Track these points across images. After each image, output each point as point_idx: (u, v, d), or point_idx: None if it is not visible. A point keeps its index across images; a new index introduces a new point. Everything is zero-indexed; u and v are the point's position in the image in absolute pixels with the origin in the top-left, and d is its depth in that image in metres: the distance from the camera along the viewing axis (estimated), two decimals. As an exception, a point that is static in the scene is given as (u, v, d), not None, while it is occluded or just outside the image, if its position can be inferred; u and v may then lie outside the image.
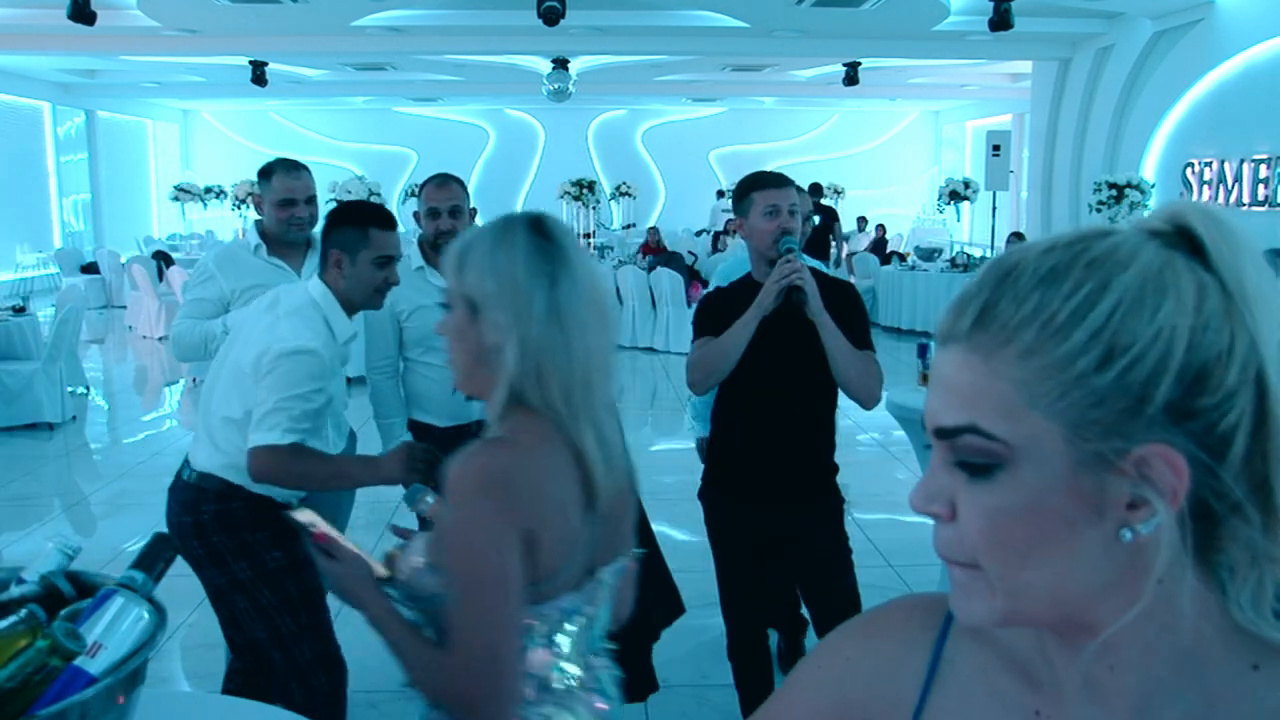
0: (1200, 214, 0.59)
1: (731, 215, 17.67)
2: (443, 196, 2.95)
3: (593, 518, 1.30)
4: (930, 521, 0.63)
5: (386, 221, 2.34)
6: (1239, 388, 0.56)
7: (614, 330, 1.35)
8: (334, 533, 1.37)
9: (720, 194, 19.39)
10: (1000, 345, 0.58)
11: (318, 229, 3.14)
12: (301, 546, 2.28)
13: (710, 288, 3.27)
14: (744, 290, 2.47)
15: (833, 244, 14.77)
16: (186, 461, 2.37)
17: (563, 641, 1.31)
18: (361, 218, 2.31)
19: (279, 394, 2.14)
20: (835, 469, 2.58)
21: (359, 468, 2.38)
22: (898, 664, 0.73)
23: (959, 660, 0.71)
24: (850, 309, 2.48)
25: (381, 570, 1.35)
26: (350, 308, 2.31)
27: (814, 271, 2.56)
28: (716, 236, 16.91)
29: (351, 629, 3.53)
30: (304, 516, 1.40)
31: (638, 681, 2.24)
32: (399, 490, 3.15)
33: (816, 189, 13.20)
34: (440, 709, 1.28)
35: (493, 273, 1.27)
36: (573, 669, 1.32)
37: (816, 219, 3.91)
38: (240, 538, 2.27)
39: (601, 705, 1.36)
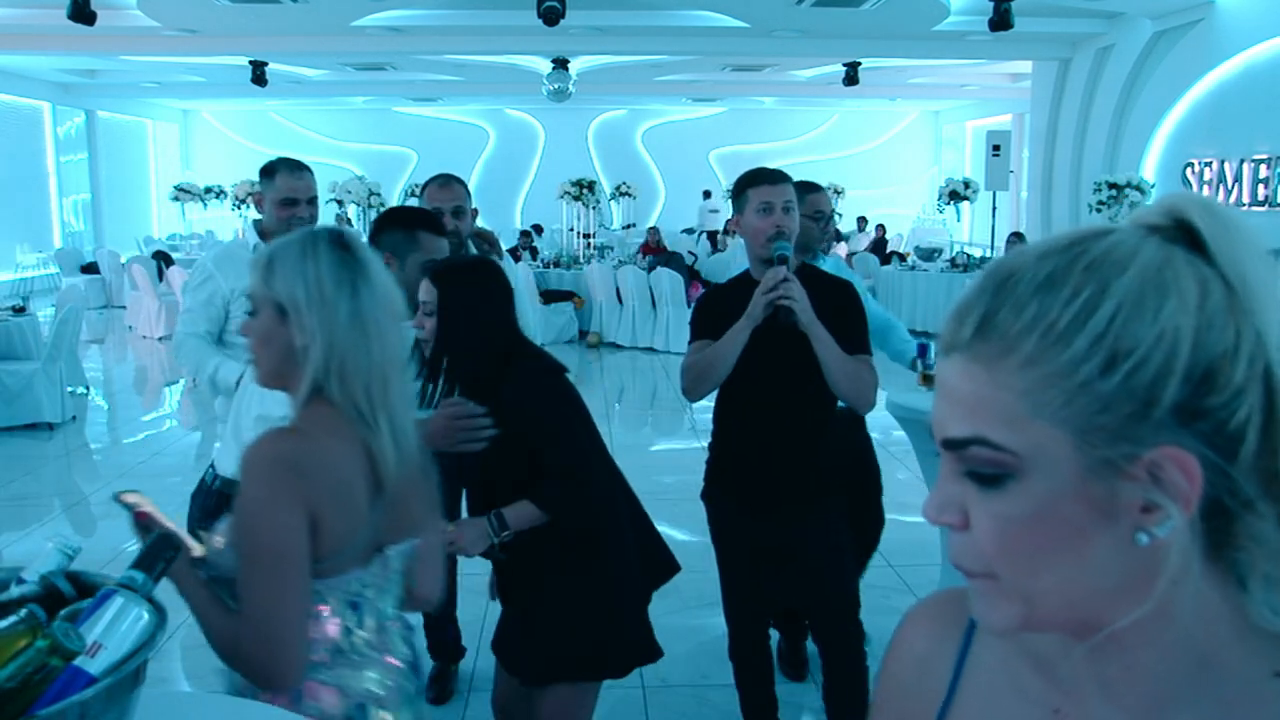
0: (1198, 206, 0.58)
1: (715, 212, 17.73)
2: (446, 196, 2.95)
3: (380, 501, 1.44)
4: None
5: (437, 227, 2.34)
6: (1247, 384, 0.55)
7: (404, 332, 1.51)
8: (156, 513, 1.48)
9: (706, 194, 19.56)
10: (1001, 355, 0.57)
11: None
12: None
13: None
14: (740, 289, 2.44)
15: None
16: (211, 466, 2.34)
17: (354, 612, 1.46)
18: (412, 221, 2.32)
19: None
20: (835, 473, 2.53)
21: None
22: (928, 662, 0.74)
23: (985, 655, 0.71)
24: (848, 310, 2.44)
25: (198, 550, 1.46)
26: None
27: (813, 270, 2.54)
28: (713, 236, 16.99)
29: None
30: (130, 498, 1.49)
31: (640, 649, 2.23)
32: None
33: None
34: (236, 670, 1.39)
35: (302, 281, 1.41)
36: (365, 635, 1.47)
37: (838, 218, 3.92)
38: None
39: (394, 661, 1.52)
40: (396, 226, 2.32)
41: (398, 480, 1.45)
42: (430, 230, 2.32)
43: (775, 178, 2.45)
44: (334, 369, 1.40)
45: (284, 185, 2.93)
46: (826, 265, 3.22)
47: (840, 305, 2.42)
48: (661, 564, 2.29)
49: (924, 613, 0.78)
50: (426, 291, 2.08)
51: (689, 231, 18.03)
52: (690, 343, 2.51)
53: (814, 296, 2.35)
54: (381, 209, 14.22)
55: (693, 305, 2.66)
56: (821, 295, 2.37)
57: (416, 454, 1.50)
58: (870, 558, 3.37)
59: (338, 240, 1.45)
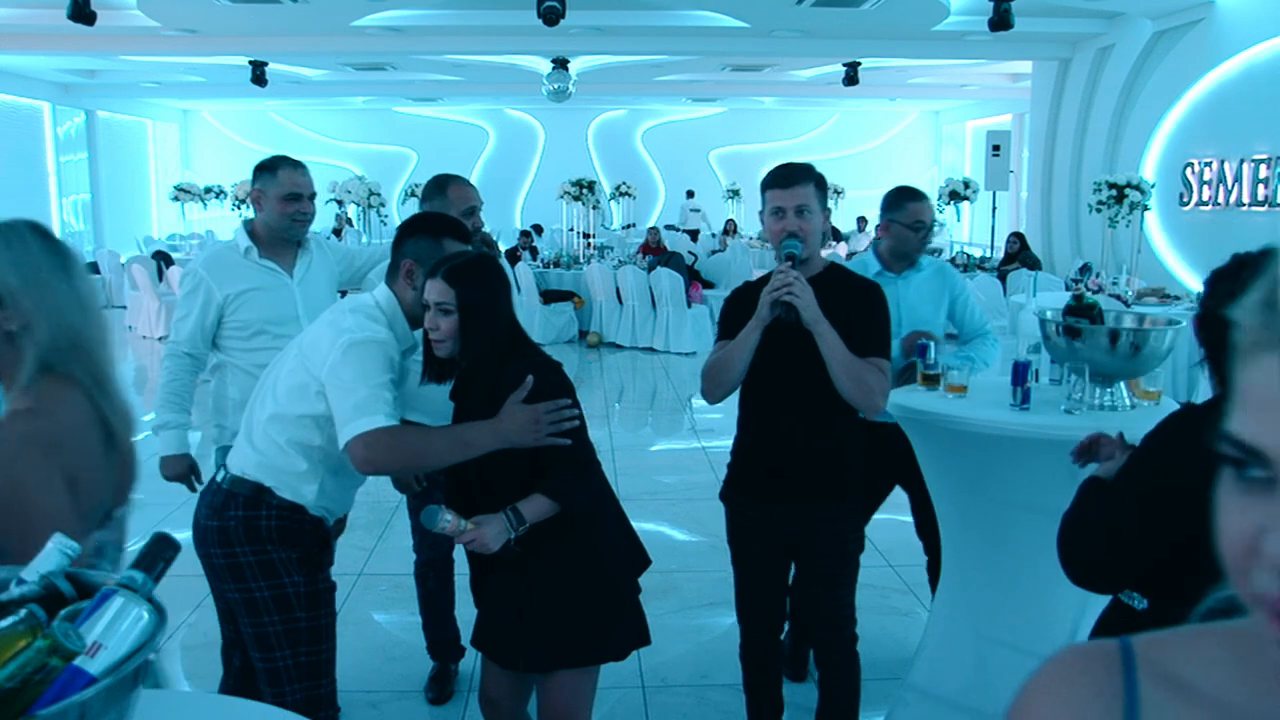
0: None
1: (697, 211, 17.98)
2: (474, 195, 3.02)
3: (112, 466, 1.57)
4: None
5: (463, 235, 2.30)
6: None
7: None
8: None
9: (690, 194, 19.82)
10: None
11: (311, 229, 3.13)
12: (323, 578, 2.26)
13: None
14: (763, 286, 2.42)
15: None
16: (223, 466, 2.32)
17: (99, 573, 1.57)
18: (437, 229, 2.28)
19: (368, 381, 2.07)
20: (847, 474, 2.49)
21: (481, 433, 2.10)
22: None
23: None
24: (866, 310, 2.40)
25: None
26: (414, 321, 2.25)
27: (837, 271, 2.49)
28: (693, 235, 17.17)
29: (353, 630, 3.53)
30: None
31: (636, 632, 2.25)
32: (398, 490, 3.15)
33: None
34: None
35: (15, 268, 1.50)
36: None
37: (939, 225, 3.74)
38: (265, 552, 2.18)
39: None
40: (423, 234, 2.27)
41: (123, 442, 1.59)
42: (456, 238, 2.28)
43: (787, 180, 2.40)
44: (66, 345, 1.51)
45: (288, 180, 2.88)
46: (923, 270, 3.17)
47: (857, 306, 2.39)
48: (639, 554, 2.31)
49: (1058, 685, 0.65)
50: (441, 292, 2.08)
51: (671, 228, 18.19)
52: (715, 342, 2.52)
53: (833, 296, 2.33)
54: (381, 209, 14.24)
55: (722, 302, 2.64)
56: (841, 295, 2.36)
57: (130, 418, 1.62)
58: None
59: (37, 229, 1.57)
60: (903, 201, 3.19)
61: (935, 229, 3.30)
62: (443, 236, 2.27)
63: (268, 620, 2.18)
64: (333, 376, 2.10)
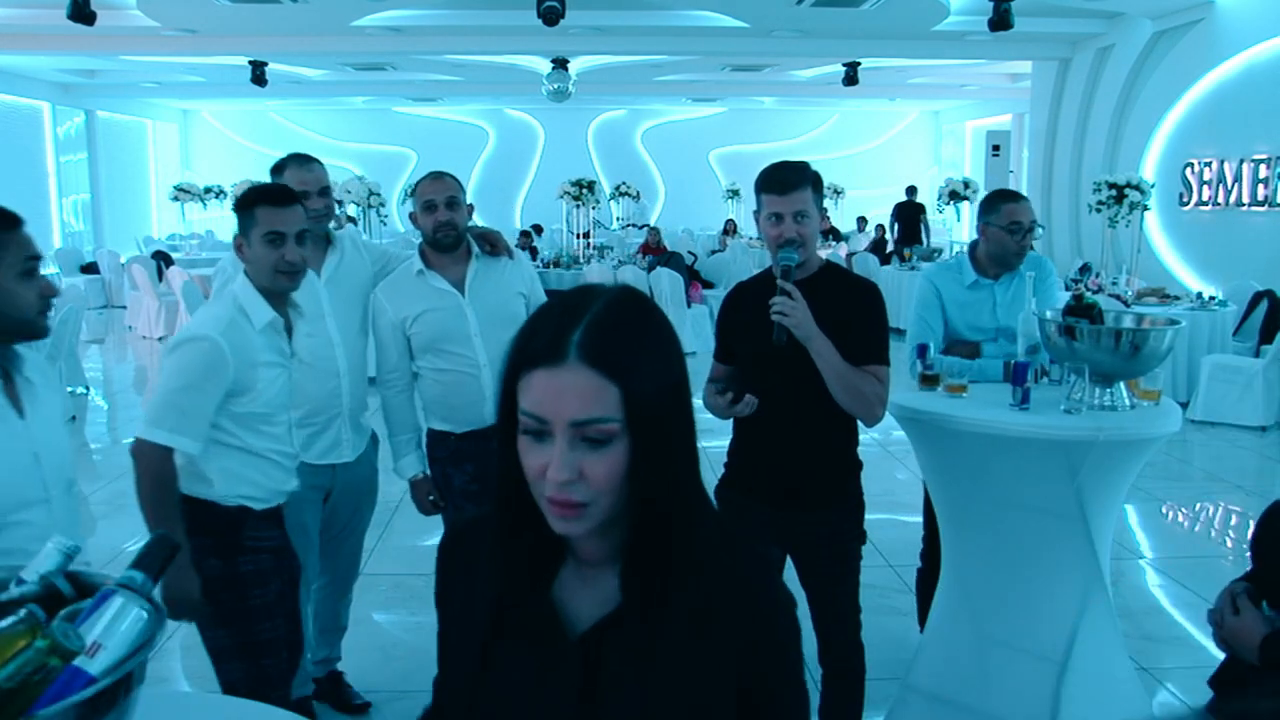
0: None
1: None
2: (438, 189, 2.93)
3: None
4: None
5: (275, 198, 2.31)
6: None
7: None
8: None
9: (636, 196, 20.02)
10: None
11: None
12: (245, 561, 2.26)
13: (926, 286, 3.17)
14: (759, 287, 2.40)
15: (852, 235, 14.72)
16: None
17: None
18: (249, 198, 2.31)
19: (170, 383, 2.13)
20: (844, 481, 2.50)
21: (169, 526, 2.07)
22: None
23: None
24: (867, 313, 2.35)
25: None
26: (267, 294, 2.29)
27: (834, 270, 2.45)
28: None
29: (353, 630, 3.53)
30: None
31: None
32: (402, 486, 3.14)
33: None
34: None
35: None
36: None
37: (1040, 230, 3.57)
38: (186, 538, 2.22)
39: None
40: (240, 206, 2.31)
41: None
42: (268, 203, 2.28)
43: (785, 185, 2.32)
44: None
45: (294, 179, 2.89)
46: (1024, 279, 3.09)
47: (856, 307, 2.34)
48: None
49: None
50: (582, 401, 0.90)
51: (633, 225, 18.31)
52: (714, 357, 2.53)
53: (831, 297, 2.31)
54: (381, 209, 14.24)
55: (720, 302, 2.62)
56: (839, 296, 2.33)
57: None
58: None
59: None
60: (998, 203, 3.10)
61: (1038, 232, 3.18)
62: (254, 205, 2.29)
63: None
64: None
